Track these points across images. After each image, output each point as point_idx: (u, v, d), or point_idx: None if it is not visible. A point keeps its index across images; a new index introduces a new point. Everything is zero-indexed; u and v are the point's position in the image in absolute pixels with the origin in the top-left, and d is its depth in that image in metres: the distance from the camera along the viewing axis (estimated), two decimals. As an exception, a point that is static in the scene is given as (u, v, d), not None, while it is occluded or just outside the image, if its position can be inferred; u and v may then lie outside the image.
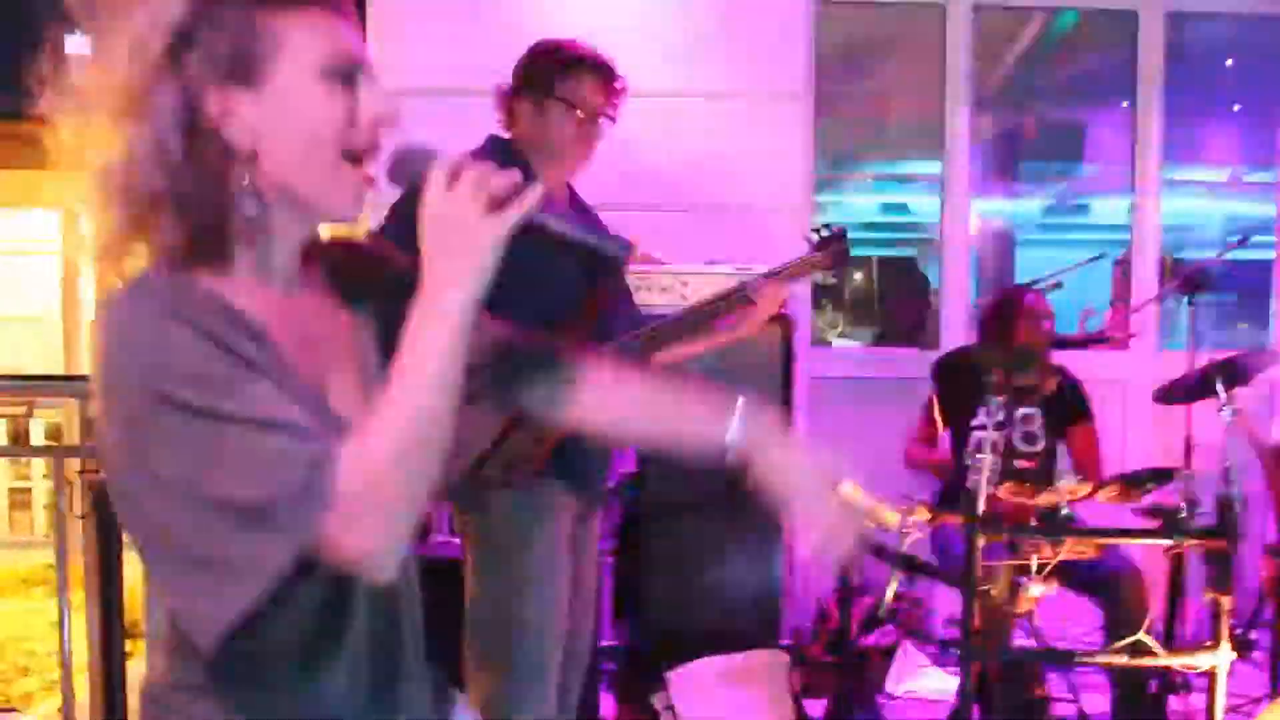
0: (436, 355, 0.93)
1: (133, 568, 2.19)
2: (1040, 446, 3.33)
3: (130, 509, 0.95)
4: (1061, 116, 6.58)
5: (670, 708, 2.98)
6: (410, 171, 0.98)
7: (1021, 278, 7.21)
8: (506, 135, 2.28)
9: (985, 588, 2.71)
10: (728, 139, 3.96)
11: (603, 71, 2.24)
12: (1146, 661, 2.74)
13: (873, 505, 3.08)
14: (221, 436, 0.88)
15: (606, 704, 3.27)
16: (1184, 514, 2.72)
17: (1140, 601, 2.97)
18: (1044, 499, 2.80)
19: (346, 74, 0.98)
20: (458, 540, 2.33)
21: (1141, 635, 2.74)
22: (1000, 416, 3.16)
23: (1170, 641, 3.18)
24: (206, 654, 0.95)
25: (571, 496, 2.25)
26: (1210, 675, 2.63)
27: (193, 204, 0.94)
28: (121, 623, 2.34)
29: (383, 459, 0.91)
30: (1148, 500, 3.02)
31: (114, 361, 0.92)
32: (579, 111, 2.21)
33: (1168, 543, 2.73)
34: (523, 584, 2.15)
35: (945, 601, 3.64)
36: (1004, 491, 2.87)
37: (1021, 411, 3.32)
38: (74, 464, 2.31)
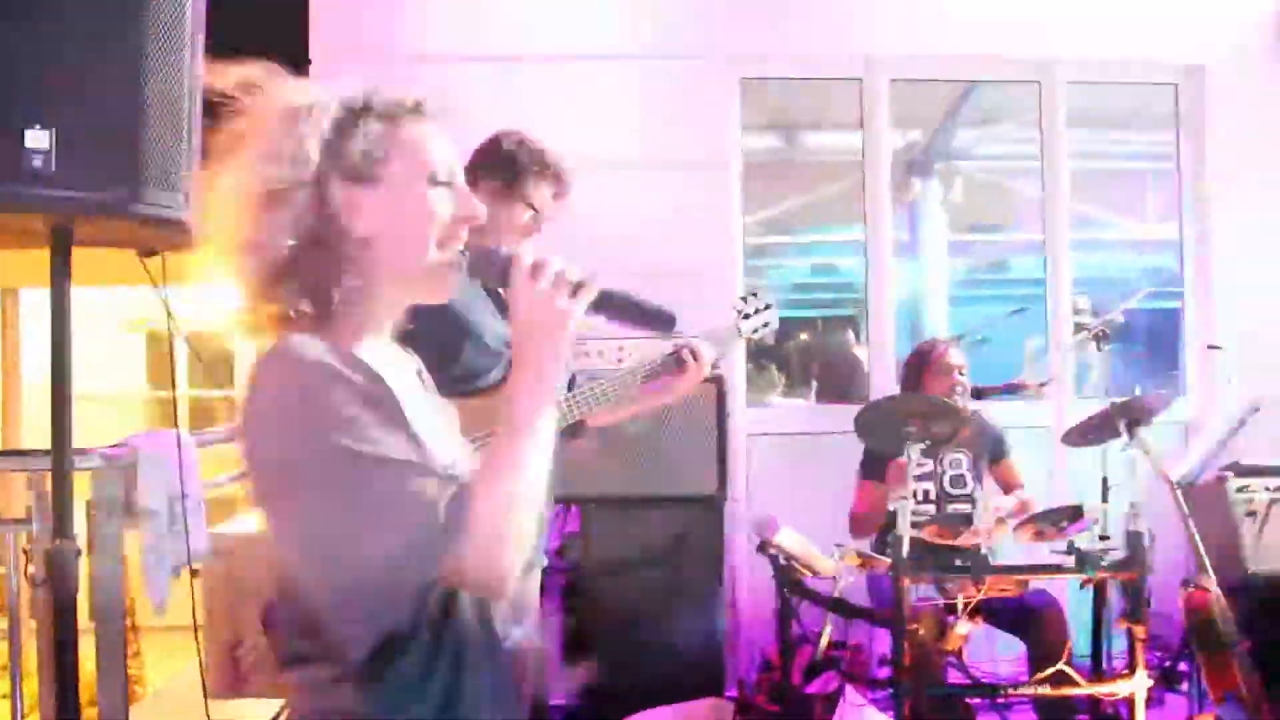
0: (538, 427, 1.12)
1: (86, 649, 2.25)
2: (968, 489, 3.49)
3: (289, 551, 1.11)
4: (985, 178, 6.90)
5: (618, 759, 3.05)
6: (491, 269, 1.19)
7: (954, 331, 7.47)
8: None
9: (914, 627, 2.84)
10: (661, 207, 4.14)
11: (562, 181, 2.39)
12: (1068, 691, 2.88)
13: (808, 553, 3.21)
14: (375, 479, 1.04)
15: (558, 762, 3.33)
16: (1096, 549, 2.88)
17: (1060, 634, 3.11)
18: (966, 540, 2.95)
19: (445, 178, 1.20)
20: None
21: (1063, 666, 2.88)
22: (928, 465, 3.34)
23: (1098, 672, 3.31)
24: (358, 663, 1.09)
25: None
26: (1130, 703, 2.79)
27: (314, 277, 1.14)
28: (77, 702, 2.37)
29: (502, 501, 1.07)
30: (1064, 537, 3.19)
31: (272, 417, 1.08)
32: (530, 212, 2.36)
33: (1083, 577, 2.87)
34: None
35: (885, 646, 3.76)
36: (928, 534, 3.02)
37: (949, 457, 3.49)
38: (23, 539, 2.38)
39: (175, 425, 2.70)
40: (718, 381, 3.55)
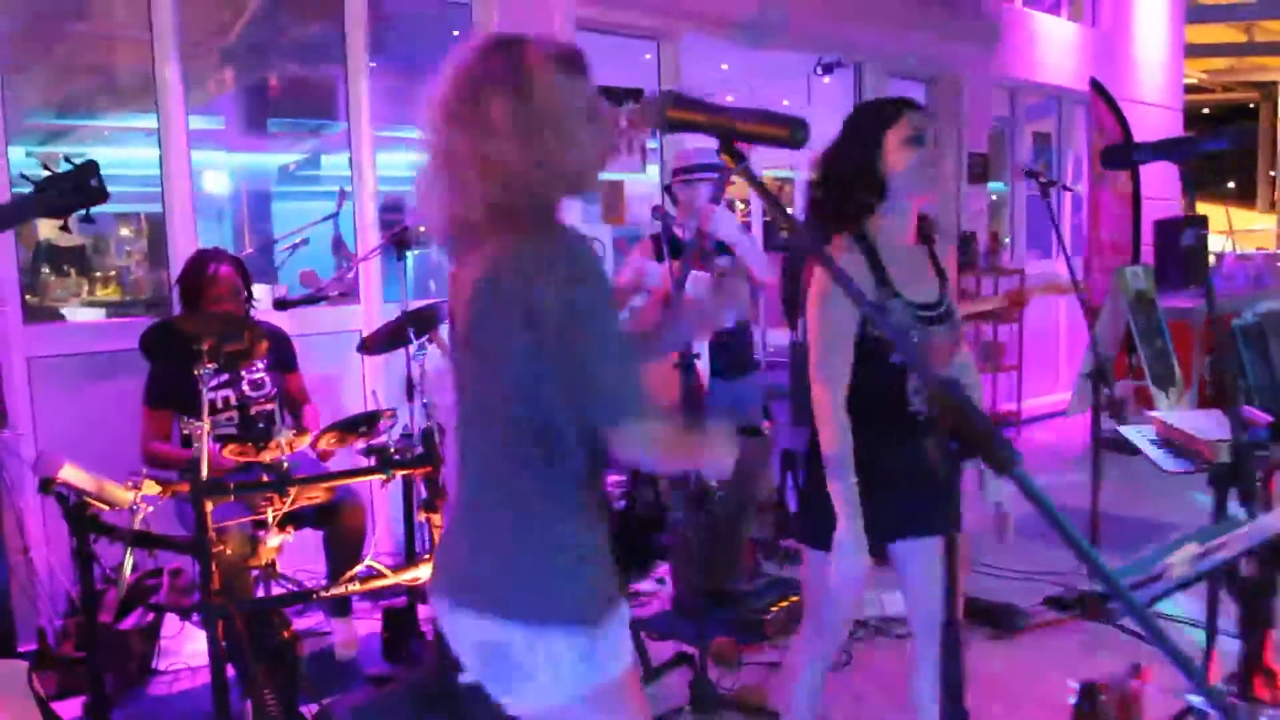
0: None
1: None
2: (273, 405, 3.47)
3: None
4: (311, 74, 6.74)
5: None
6: None
7: (279, 229, 7.34)
8: None
9: (220, 549, 2.78)
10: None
11: None
12: (377, 584, 3.05)
13: (100, 485, 2.96)
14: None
15: None
16: (394, 449, 3.05)
17: (357, 527, 3.28)
18: (267, 455, 2.94)
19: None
20: None
21: (370, 561, 3.05)
22: (222, 380, 3.23)
23: (410, 557, 3.56)
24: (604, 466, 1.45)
25: None
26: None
27: None
28: None
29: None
30: (366, 441, 3.34)
31: None
32: None
33: (382, 477, 3.02)
34: None
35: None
36: (228, 453, 2.96)
37: (250, 375, 3.42)
38: None
39: None
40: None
